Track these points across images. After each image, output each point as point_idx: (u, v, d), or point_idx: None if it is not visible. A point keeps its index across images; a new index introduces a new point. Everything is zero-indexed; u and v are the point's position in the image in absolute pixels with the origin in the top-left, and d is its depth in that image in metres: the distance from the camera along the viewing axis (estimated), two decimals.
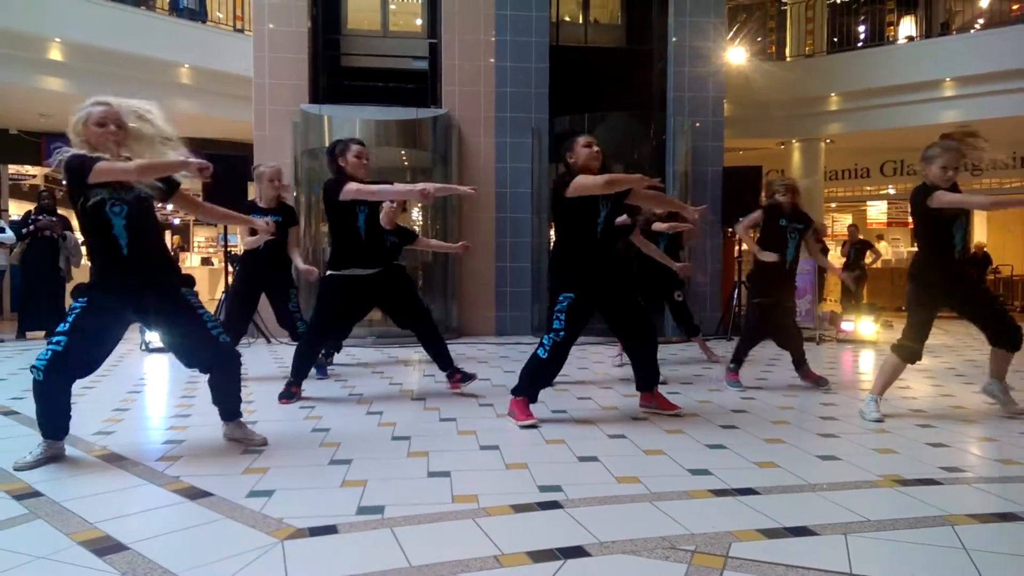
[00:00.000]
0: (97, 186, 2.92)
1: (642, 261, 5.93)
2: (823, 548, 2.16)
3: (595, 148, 3.92)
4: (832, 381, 5.26)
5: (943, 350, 7.72)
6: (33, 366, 2.96)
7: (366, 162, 4.38)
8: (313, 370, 5.24)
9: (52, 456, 3.06)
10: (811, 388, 5.01)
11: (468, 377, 4.82)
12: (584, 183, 3.73)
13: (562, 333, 3.87)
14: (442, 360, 4.81)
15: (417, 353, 6.91)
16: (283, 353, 7.00)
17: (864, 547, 2.17)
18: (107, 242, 3.00)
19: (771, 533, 2.28)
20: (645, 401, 4.19)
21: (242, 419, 3.44)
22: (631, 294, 4.06)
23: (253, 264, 5.26)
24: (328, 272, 4.45)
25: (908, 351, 4.02)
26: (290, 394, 4.50)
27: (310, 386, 4.87)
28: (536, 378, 3.96)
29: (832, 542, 2.20)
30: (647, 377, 4.13)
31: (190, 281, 3.31)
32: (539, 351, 3.92)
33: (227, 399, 3.36)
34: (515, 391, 3.99)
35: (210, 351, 3.21)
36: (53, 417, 3.05)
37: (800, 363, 5.11)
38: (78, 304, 3.03)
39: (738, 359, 5.11)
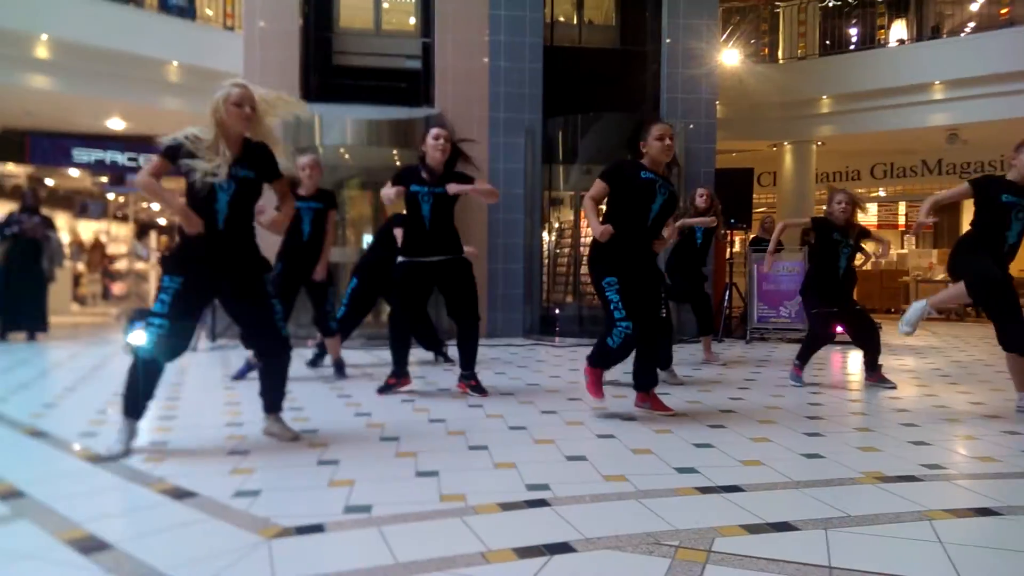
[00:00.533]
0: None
1: (676, 256, 6.27)
2: (804, 542, 2.19)
3: (668, 142, 3.92)
4: (820, 381, 5.31)
5: (929, 351, 7.78)
6: (142, 348, 3.16)
7: (442, 143, 4.55)
8: (311, 370, 5.30)
9: (133, 434, 3.22)
10: (875, 387, 5.13)
11: (480, 390, 4.73)
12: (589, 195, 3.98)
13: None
14: (466, 360, 4.79)
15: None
16: None
17: (844, 541, 2.20)
18: (208, 214, 3.14)
19: (754, 528, 2.30)
20: (639, 401, 4.18)
21: (281, 414, 3.53)
22: (658, 288, 4.08)
23: (295, 256, 5.18)
24: (399, 259, 4.66)
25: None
26: (389, 386, 4.71)
27: (297, 388, 4.85)
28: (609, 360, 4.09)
29: (813, 537, 2.23)
30: (643, 377, 4.14)
31: (269, 266, 3.45)
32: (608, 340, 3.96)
33: (272, 391, 3.47)
34: (590, 360, 4.10)
35: (271, 340, 3.37)
36: (145, 395, 3.23)
37: (871, 365, 5.17)
38: (173, 284, 3.14)
39: (803, 358, 5.25)
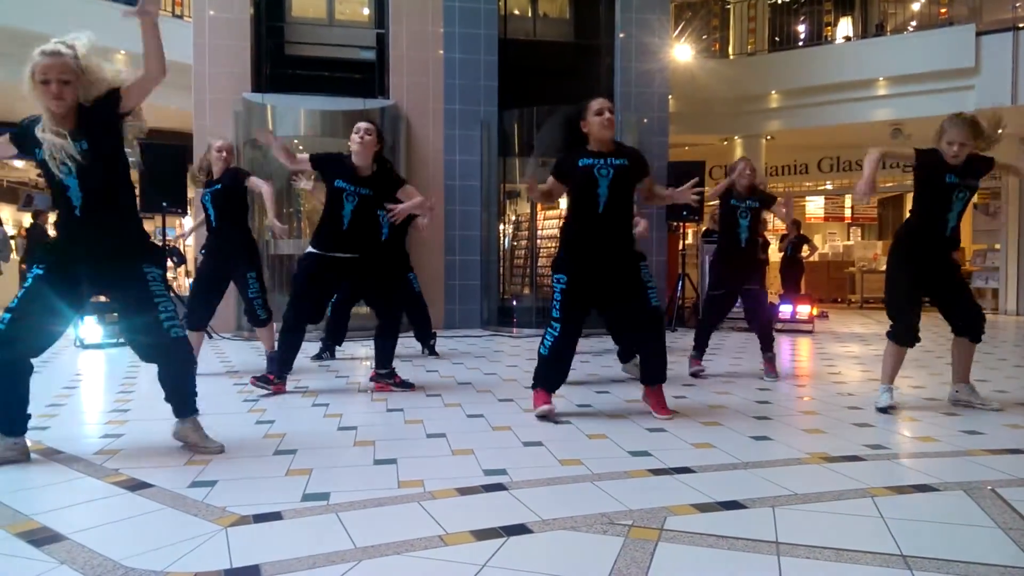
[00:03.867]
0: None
1: None
2: (752, 520, 2.27)
3: (607, 115, 3.68)
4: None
5: (873, 338, 8.04)
6: None
7: (362, 139, 4.21)
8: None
9: (13, 457, 2.85)
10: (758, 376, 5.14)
11: (406, 385, 4.61)
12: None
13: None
14: (383, 357, 4.61)
15: (363, 347, 6.89)
16: (225, 348, 6.91)
17: (790, 518, 2.29)
18: (63, 201, 2.84)
19: (704, 507, 2.38)
20: (644, 397, 3.99)
21: (198, 418, 3.16)
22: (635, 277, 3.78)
23: (208, 245, 5.04)
24: (307, 249, 4.39)
25: None
26: (267, 380, 4.39)
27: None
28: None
29: (761, 514, 2.32)
30: (645, 371, 3.90)
31: (158, 255, 3.13)
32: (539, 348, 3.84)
33: (175, 395, 3.09)
34: (534, 380, 3.90)
35: (155, 343, 2.98)
36: (8, 407, 2.83)
37: (765, 348, 5.19)
38: (31, 275, 2.84)
39: (698, 347, 5.24)
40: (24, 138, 2.83)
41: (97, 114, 2.86)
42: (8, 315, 2.79)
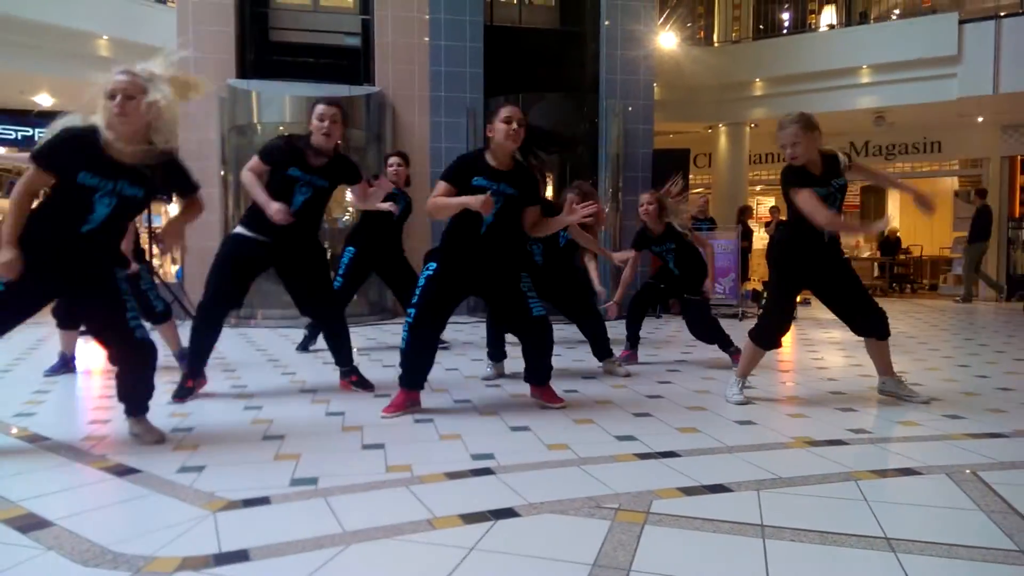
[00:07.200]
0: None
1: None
2: (737, 503, 2.30)
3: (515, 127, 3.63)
4: None
5: None
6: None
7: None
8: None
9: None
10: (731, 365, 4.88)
11: (365, 384, 4.20)
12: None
13: None
14: (340, 355, 4.22)
15: (353, 333, 6.86)
16: None
17: (775, 501, 2.32)
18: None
19: (690, 491, 2.41)
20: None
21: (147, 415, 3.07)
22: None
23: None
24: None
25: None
26: (186, 390, 3.85)
27: (242, 368, 4.81)
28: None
29: (746, 497, 2.35)
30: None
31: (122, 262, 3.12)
32: None
33: (133, 397, 3.03)
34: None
35: (120, 345, 2.95)
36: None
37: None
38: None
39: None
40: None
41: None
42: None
